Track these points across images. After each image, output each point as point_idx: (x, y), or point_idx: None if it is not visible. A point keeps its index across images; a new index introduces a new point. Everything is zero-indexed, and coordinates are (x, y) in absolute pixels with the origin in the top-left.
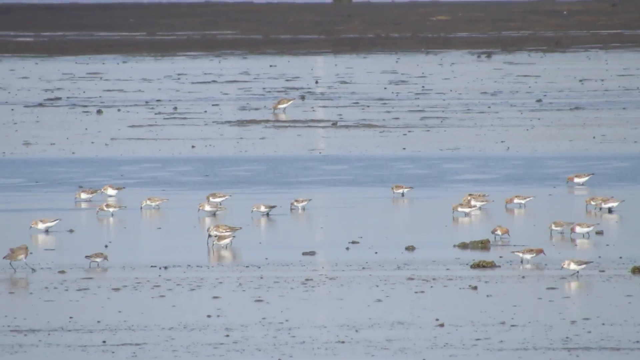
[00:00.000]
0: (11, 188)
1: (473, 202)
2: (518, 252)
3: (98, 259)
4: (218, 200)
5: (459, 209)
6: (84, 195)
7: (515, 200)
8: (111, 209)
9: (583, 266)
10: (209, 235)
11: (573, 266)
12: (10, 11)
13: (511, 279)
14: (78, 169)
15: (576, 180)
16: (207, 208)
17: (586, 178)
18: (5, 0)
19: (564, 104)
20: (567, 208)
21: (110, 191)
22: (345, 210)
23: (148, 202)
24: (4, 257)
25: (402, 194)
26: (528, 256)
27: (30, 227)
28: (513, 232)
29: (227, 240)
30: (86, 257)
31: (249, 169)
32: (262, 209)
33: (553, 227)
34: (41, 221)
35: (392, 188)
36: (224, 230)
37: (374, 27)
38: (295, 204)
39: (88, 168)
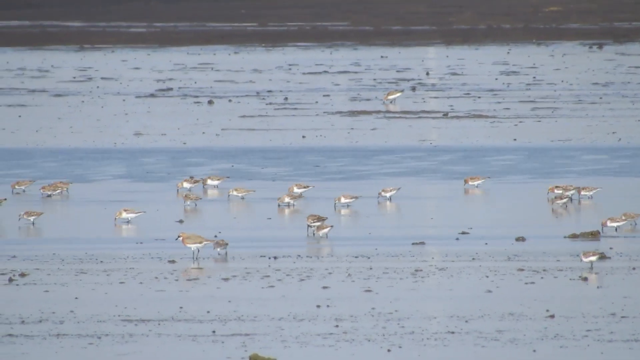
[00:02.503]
0: (122, 177)
1: (566, 193)
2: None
3: (219, 248)
4: (300, 190)
5: (557, 201)
6: (186, 185)
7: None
8: (188, 201)
9: (595, 257)
10: (309, 226)
11: (591, 258)
12: (123, 2)
13: (621, 270)
14: (188, 158)
15: None
16: (287, 199)
17: None
18: None
19: None
20: None
21: (210, 182)
22: (455, 201)
23: (234, 193)
24: (215, 245)
25: (477, 186)
26: None
27: (115, 218)
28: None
29: (325, 230)
30: (214, 243)
31: (356, 160)
32: (343, 200)
33: None
34: (125, 211)
35: (466, 180)
36: (313, 221)
37: (486, 18)
38: (382, 193)
39: (198, 158)
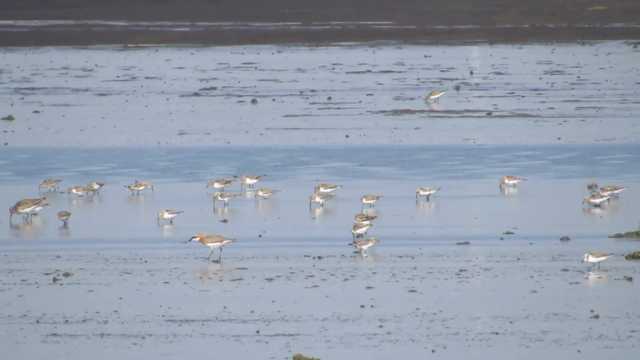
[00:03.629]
0: (166, 176)
1: (603, 193)
2: None
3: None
4: (327, 190)
5: (590, 200)
6: (217, 185)
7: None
8: (225, 199)
9: (602, 258)
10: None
11: (592, 259)
12: (167, 1)
13: None
14: (231, 158)
15: None
16: (317, 199)
17: None
18: None
19: None
20: None
21: (249, 180)
22: (500, 200)
23: (260, 193)
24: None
25: (514, 185)
26: None
27: (158, 218)
28: None
29: (360, 230)
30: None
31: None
32: (364, 201)
33: None
34: (167, 211)
35: (503, 179)
36: (361, 220)
37: (530, 17)
38: (421, 192)
39: (241, 157)
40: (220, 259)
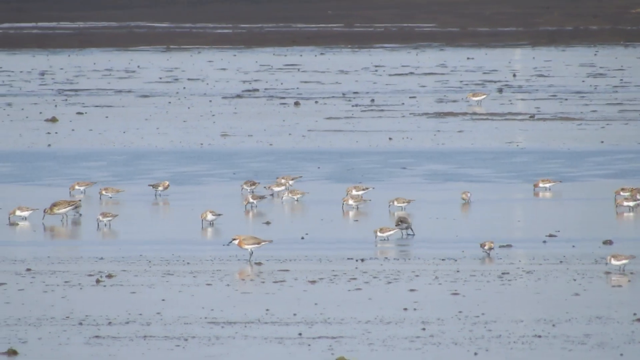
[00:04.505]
0: (209, 178)
1: (638, 196)
2: None
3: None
4: (359, 193)
5: (624, 203)
6: (246, 187)
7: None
8: (254, 201)
9: (624, 261)
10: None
11: (614, 262)
12: (210, 3)
13: None
14: (274, 159)
15: None
16: (350, 202)
17: None
18: None
19: None
20: None
21: (284, 182)
22: (542, 203)
23: (290, 195)
24: None
25: (549, 189)
26: None
27: (202, 219)
28: None
29: (390, 233)
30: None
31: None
32: (396, 204)
33: None
34: (210, 212)
35: (538, 182)
36: (400, 222)
37: (572, 20)
38: (464, 196)
39: (284, 159)
40: (250, 260)
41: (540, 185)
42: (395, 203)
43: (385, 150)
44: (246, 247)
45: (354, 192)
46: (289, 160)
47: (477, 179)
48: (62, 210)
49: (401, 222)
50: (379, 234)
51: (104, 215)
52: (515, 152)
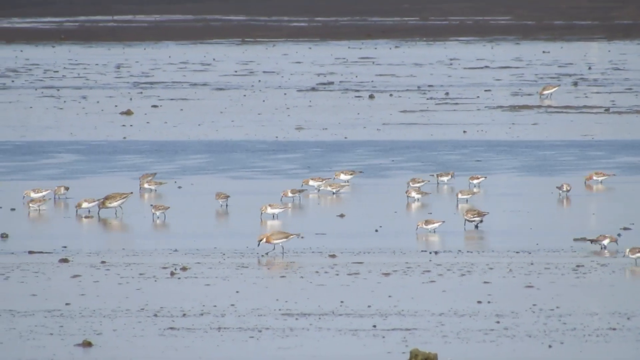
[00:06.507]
0: (281, 172)
1: None
2: None
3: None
4: (418, 185)
5: None
6: (312, 183)
7: None
8: (294, 195)
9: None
10: (467, 220)
11: (631, 255)
12: None
13: None
14: (349, 153)
15: None
16: (413, 194)
17: None
18: None
19: None
20: None
21: (344, 176)
22: (618, 196)
23: (329, 188)
24: None
25: (600, 182)
26: None
27: (261, 212)
28: None
29: (435, 225)
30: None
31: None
32: (460, 196)
33: None
34: (270, 206)
35: (591, 175)
36: (472, 215)
37: None
38: (566, 187)
39: (360, 152)
40: (282, 254)
41: (594, 178)
42: (460, 195)
43: (460, 142)
44: (274, 242)
45: (412, 185)
46: (360, 152)
47: (552, 171)
48: (115, 204)
49: (476, 215)
50: (423, 226)
51: (156, 207)
52: (590, 144)
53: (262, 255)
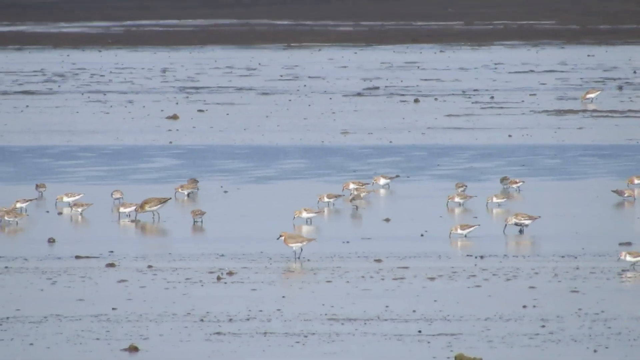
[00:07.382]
0: (326, 175)
1: None
2: None
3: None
4: (460, 189)
5: None
6: (352, 186)
7: None
8: (331, 199)
9: (639, 259)
10: (516, 224)
11: (629, 258)
12: (332, 1)
13: None
14: (391, 158)
15: None
16: (457, 199)
17: None
18: None
19: None
20: None
21: (382, 181)
22: None
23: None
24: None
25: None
26: None
27: (294, 217)
28: None
29: (470, 230)
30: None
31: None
32: (494, 199)
33: None
34: (305, 210)
35: (632, 178)
36: (522, 218)
37: None
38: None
39: (400, 156)
40: (300, 259)
41: (635, 181)
42: (495, 199)
43: (505, 147)
44: (291, 245)
45: (459, 190)
46: (407, 156)
47: (596, 175)
48: (154, 208)
49: (527, 218)
50: (459, 230)
51: (194, 213)
52: (635, 147)
53: (307, 260)
